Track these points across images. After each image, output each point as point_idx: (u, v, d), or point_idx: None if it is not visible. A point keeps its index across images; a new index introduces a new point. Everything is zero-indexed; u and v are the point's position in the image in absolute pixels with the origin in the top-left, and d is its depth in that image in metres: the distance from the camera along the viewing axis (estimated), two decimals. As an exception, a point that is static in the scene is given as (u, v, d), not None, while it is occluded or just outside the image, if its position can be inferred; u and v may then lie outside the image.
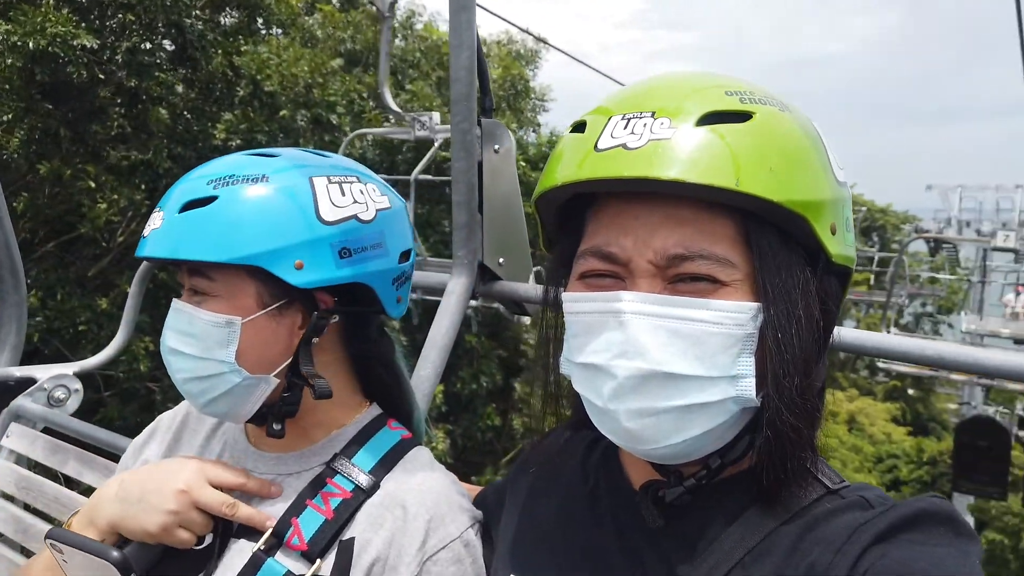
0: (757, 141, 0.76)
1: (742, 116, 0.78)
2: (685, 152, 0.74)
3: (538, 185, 0.88)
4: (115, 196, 8.28)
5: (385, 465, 1.16)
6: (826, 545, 0.77)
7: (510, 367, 13.53)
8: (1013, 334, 15.96)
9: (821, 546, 0.77)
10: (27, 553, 2.05)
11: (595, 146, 0.79)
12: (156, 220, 1.09)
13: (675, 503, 0.84)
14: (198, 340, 1.09)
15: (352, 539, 1.08)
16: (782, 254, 0.79)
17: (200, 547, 1.11)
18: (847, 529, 0.77)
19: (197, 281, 1.10)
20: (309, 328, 1.16)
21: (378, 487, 1.13)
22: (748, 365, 0.78)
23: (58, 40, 7.22)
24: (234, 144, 9.17)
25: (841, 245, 0.83)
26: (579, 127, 0.84)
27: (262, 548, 1.08)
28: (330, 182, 1.15)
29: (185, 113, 9.46)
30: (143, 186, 8.72)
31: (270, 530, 1.09)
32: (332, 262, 1.12)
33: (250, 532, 1.11)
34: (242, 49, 9.46)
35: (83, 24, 7.69)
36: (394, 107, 5.57)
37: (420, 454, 1.22)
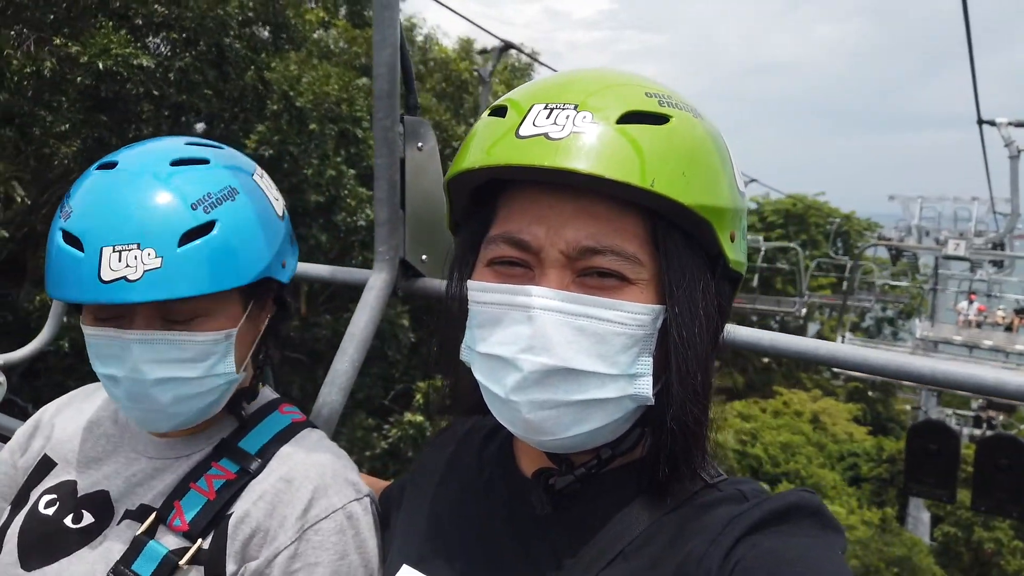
0: (672, 145, 0.79)
1: (660, 118, 0.80)
2: (605, 148, 0.76)
3: (452, 165, 0.88)
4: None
5: (273, 446, 1.16)
6: (703, 535, 0.79)
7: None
8: (965, 341, 16.94)
9: (698, 536, 0.80)
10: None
11: (516, 132, 0.79)
12: (144, 259, 0.99)
13: (565, 491, 0.87)
14: (196, 363, 1.06)
15: (230, 514, 1.08)
16: (686, 256, 0.81)
17: (77, 527, 1.12)
18: (722, 520, 0.80)
19: (182, 307, 1.05)
20: (278, 314, 1.24)
21: (264, 467, 1.13)
22: (647, 364, 0.81)
23: (120, 60, 7.94)
24: (266, 154, 9.93)
25: (738, 252, 0.86)
26: (498, 111, 0.84)
27: (143, 531, 1.08)
28: (259, 178, 1.18)
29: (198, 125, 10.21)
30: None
31: (153, 514, 1.09)
32: (291, 251, 1.21)
33: (135, 515, 1.11)
34: (272, 65, 10.21)
35: (138, 44, 8.41)
36: None
37: (310, 435, 1.21)
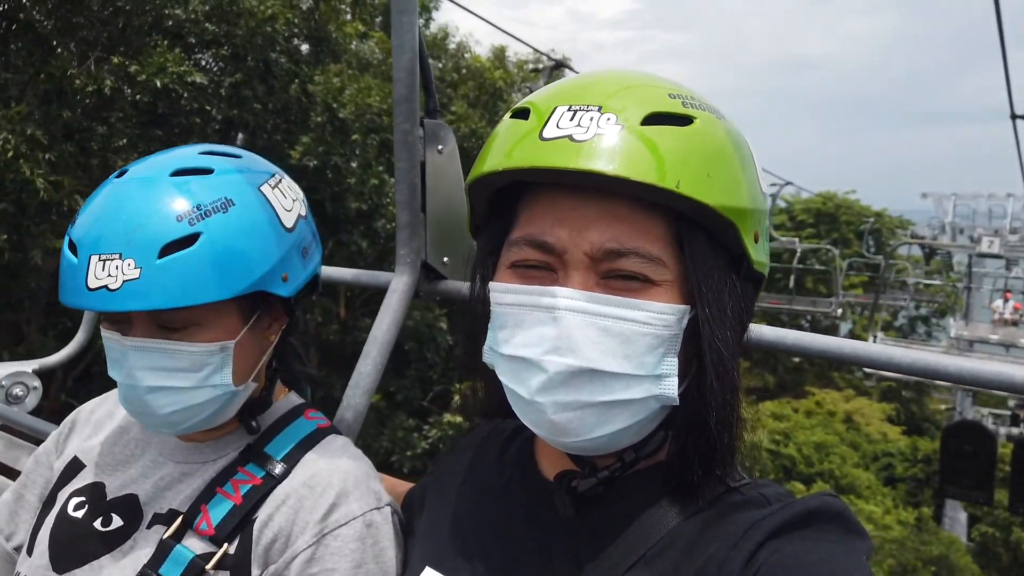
0: (697, 146, 0.78)
1: (684, 120, 0.79)
2: (630, 150, 0.76)
3: (474, 168, 0.87)
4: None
5: (298, 452, 1.17)
6: (723, 540, 0.79)
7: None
8: (1001, 340, 16.75)
9: (719, 541, 0.79)
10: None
11: (540, 134, 0.78)
12: (124, 269, 1.00)
13: (588, 494, 0.86)
14: (189, 372, 1.07)
15: (255, 519, 1.09)
16: (711, 257, 0.81)
17: (106, 530, 1.13)
18: (744, 525, 0.79)
19: (175, 316, 1.05)
20: (292, 327, 1.24)
21: (289, 473, 1.14)
22: (672, 365, 0.80)
23: (176, 78, 8.33)
24: (311, 165, 10.29)
25: (760, 253, 0.85)
26: (520, 114, 0.84)
27: (170, 535, 1.09)
28: (271, 188, 1.16)
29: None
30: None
31: (180, 517, 1.10)
32: (300, 264, 1.18)
33: (164, 519, 1.12)
34: (314, 78, 10.57)
35: (190, 61, 8.81)
36: None
37: (335, 441, 1.22)
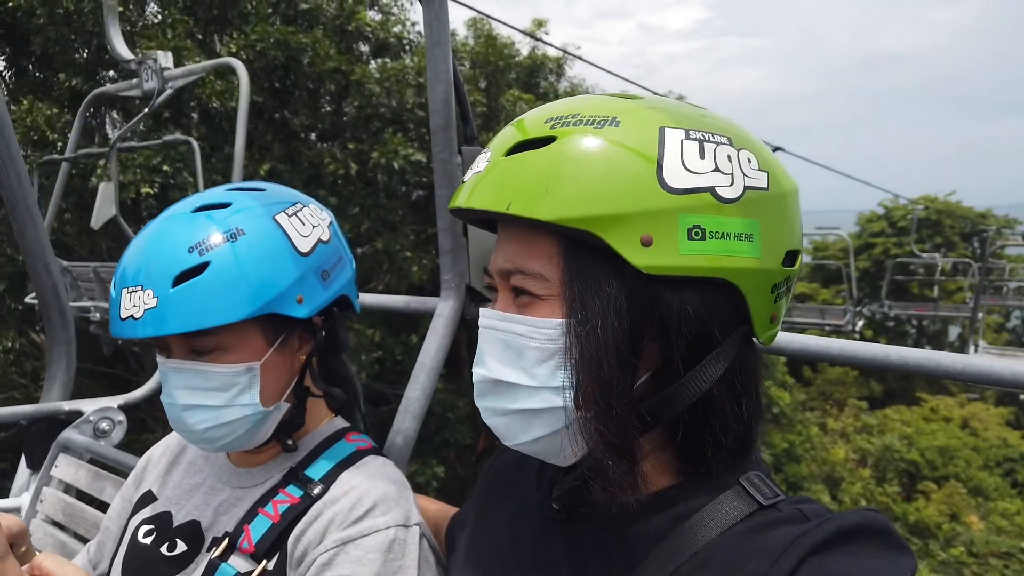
0: (542, 165, 0.80)
1: (543, 142, 0.82)
2: (485, 181, 0.83)
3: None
4: (424, 260, 11.47)
5: (335, 472, 1.22)
6: (762, 556, 0.77)
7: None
8: None
9: (757, 557, 0.77)
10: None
11: (465, 177, 0.88)
12: (145, 299, 1.09)
13: (570, 497, 0.92)
14: (219, 392, 1.15)
15: (291, 535, 1.15)
16: (588, 268, 0.80)
17: (172, 555, 1.23)
18: (783, 541, 0.77)
19: (201, 341, 1.13)
20: (315, 348, 1.28)
21: (326, 492, 1.19)
22: (568, 377, 0.81)
23: (404, 158, 10.36)
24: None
25: (656, 256, 0.78)
26: None
27: (218, 555, 1.17)
28: (287, 216, 1.23)
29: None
30: (434, 251, 11.89)
31: (227, 538, 1.18)
32: (320, 287, 1.24)
33: (219, 541, 1.20)
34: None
35: (414, 142, 10.84)
36: (123, 52, 3.66)
37: (373, 461, 1.26)
